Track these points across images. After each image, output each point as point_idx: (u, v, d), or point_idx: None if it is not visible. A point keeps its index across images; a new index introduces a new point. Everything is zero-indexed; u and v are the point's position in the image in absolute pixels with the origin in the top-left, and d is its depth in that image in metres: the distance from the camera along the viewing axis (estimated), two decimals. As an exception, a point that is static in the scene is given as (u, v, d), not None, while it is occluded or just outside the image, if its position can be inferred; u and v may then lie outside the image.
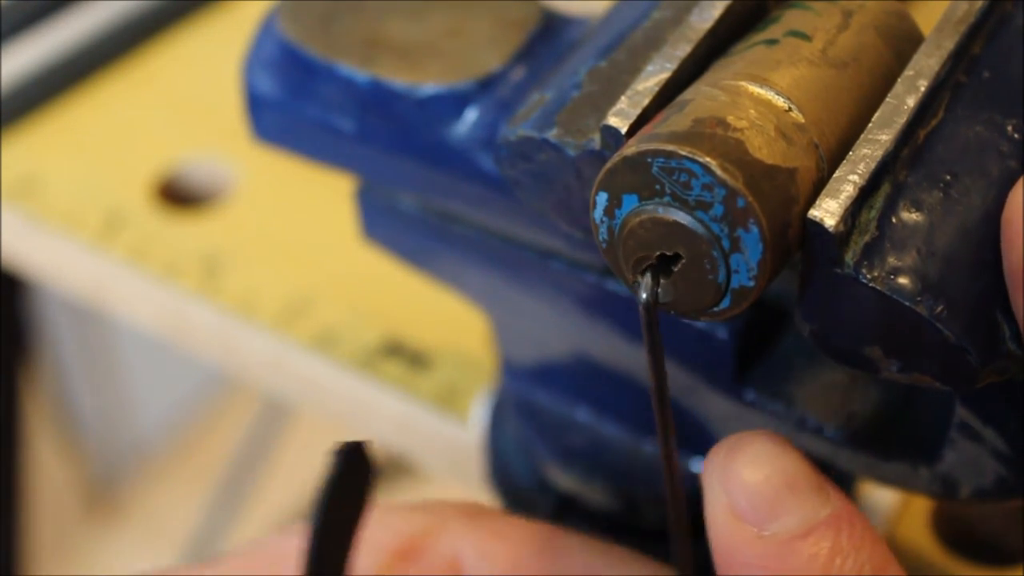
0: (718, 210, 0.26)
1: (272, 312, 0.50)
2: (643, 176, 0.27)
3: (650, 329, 0.28)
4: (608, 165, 0.27)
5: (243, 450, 1.17)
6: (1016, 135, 0.28)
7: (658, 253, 0.27)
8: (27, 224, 0.54)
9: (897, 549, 0.43)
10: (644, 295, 0.28)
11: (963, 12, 0.30)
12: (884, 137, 0.27)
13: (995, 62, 0.30)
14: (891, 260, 0.27)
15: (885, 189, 0.27)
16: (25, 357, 1.08)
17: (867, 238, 0.27)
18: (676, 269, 0.27)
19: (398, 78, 0.35)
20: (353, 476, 0.29)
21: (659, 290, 0.28)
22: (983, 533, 0.43)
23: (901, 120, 0.28)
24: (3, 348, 0.86)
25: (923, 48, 0.29)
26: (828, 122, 0.28)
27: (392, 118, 0.35)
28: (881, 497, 0.43)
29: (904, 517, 0.43)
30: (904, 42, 0.30)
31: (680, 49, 0.30)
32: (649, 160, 0.27)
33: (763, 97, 0.28)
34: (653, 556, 0.41)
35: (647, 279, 0.28)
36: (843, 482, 0.42)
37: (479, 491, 0.45)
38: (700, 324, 0.35)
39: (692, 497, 0.40)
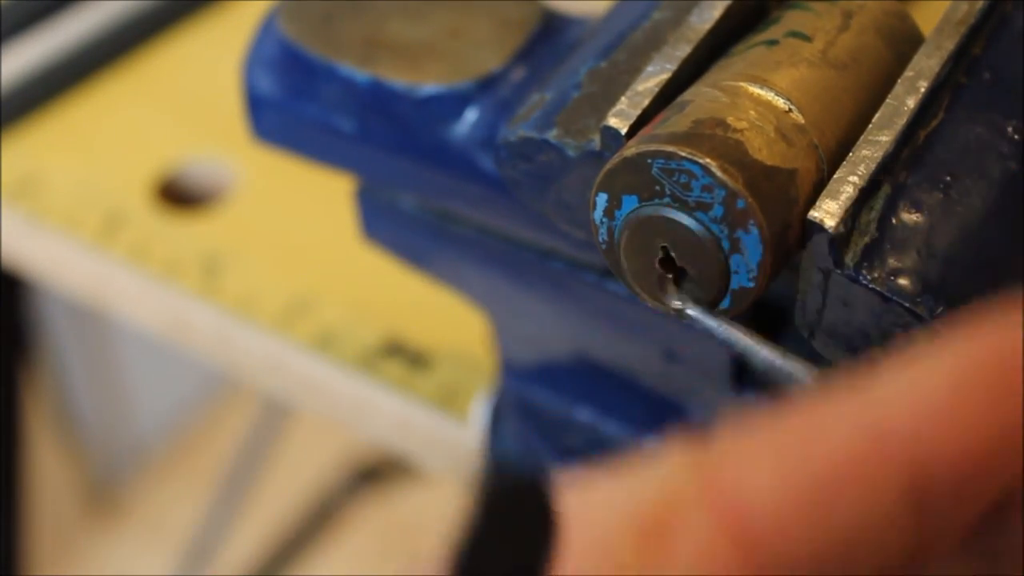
0: (718, 211, 0.26)
1: (272, 312, 0.50)
2: (643, 177, 0.27)
3: (708, 328, 0.28)
4: (608, 166, 0.27)
5: (243, 450, 1.17)
6: (1016, 136, 0.28)
7: (659, 255, 0.27)
8: (27, 224, 0.54)
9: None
10: (679, 303, 0.28)
11: (963, 13, 0.30)
12: (884, 138, 0.27)
13: (995, 63, 0.30)
14: (891, 261, 0.27)
15: (885, 190, 0.27)
16: (25, 357, 1.08)
17: (867, 239, 0.27)
18: (678, 263, 0.27)
19: (398, 78, 0.35)
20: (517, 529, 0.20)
21: (688, 293, 0.28)
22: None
23: (901, 121, 0.28)
24: (3, 348, 0.86)
25: (923, 49, 0.29)
26: (828, 123, 0.28)
27: (392, 118, 0.35)
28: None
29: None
30: (904, 43, 0.30)
31: (680, 50, 0.30)
32: (649, 161, 0.27)
33: (763, 98, 0.28)
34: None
35: (672, 290, 0.28)
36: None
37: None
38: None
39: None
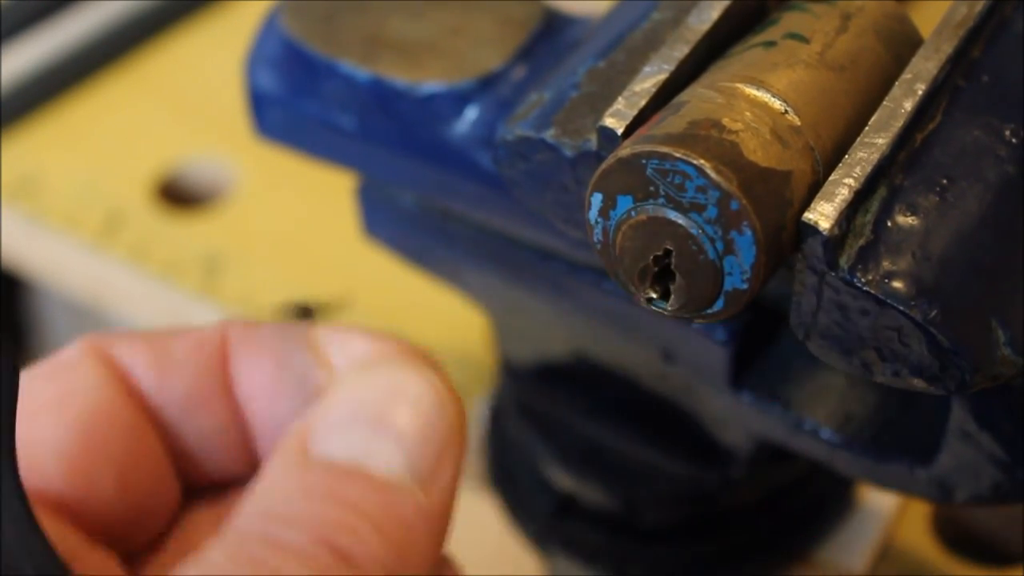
0: (712, 212, 0.26)
1: (272, 312, 0.50)
2: (638, 177, 0.27)
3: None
4: (603, 166, 0.27)
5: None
6: (1014, 140, 0.28)
7: (653, 256, 0.27)
8: (27, 224, 0.54)
9: (898, 550, 0.43)
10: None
11: (962, 15, 0.30)
12: (880, 140, 0.27)
13: (994, 66, 0.30)
14: (886, 264, 0.27)
15: (881, 193, 0.27)
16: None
17: (862, 241, 0.27)
18: (672, 264, 0.27)
19: (399, 76, 0.35)
20: None
21: (673, 296, 0.28)
22: (983, 534, 0.43)
23: (898, 124, 0.28)
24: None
25: (921, 51, 0.29)
26: (824, 125, 0.28)
27: (393, 116, 0.35)
28: (881, 498, 0.43)
29: (904, 518, 0.43)
30: (903, 45, 0.30)
31: (678, 50, 0.29)
32: (644, 161, 0.26)
33: (759, 99, 0.28)
34: (653, 556, 0.41)
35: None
36: (842, 483, 0.42)
37: (479, 491, 0.45)
38: (697, 325, 0.35)
39: (688, 495, 0.40)
